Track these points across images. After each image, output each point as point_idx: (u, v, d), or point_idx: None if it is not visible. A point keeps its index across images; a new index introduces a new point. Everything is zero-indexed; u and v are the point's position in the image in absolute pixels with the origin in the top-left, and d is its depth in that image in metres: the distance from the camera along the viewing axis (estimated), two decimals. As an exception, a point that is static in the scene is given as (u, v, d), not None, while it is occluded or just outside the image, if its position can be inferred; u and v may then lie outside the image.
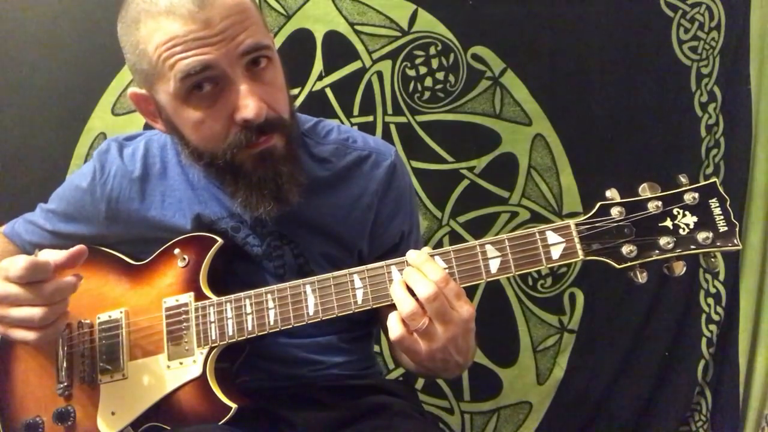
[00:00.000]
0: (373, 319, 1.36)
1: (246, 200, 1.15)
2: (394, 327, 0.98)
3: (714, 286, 2.21)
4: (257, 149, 1.10)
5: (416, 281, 0.98)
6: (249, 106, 1.05)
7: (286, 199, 1.15)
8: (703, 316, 2.21)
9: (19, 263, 1.03)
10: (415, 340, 0.98)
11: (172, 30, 1.01)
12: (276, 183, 1.13)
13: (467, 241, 2.09)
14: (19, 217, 1.41)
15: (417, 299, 0.96)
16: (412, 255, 1.02)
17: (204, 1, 1.00)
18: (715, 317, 2.21)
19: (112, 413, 1.18)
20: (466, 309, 0.98)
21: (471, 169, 2.13)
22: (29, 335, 1.08)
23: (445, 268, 1.02)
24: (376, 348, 1.94)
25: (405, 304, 0.97)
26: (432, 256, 1.03)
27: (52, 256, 1.09)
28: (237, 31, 1.03)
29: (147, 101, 1.14)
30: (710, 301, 2.21)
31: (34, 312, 1.05)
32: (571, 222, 1.01)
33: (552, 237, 1.01)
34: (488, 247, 1.03)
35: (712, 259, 1.00)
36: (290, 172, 1.15)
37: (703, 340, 2.21)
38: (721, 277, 2.21)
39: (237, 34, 1.03)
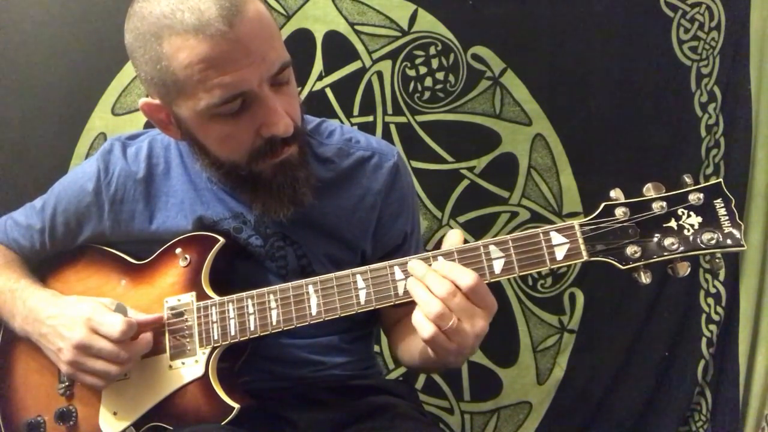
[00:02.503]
0: (374, 318, 1.36)
1: (265, 206, 1.17)
2: (426, 326, 0.97)
3: (714, 286, 2.21)
4: (278, 159, 1.11)
5: (433, 281, 0.98)
6: (280, 124, 1.06)
7: (302, 202, 1.17)
8: (703, 316, 2.21)
9: (115, 326, 1.09)
10: (445, 339, 0.97)
11: (203, 51, 0.99)
12: (293, 188, 1.15)
13: (467, 242, 2.11)
14: (4, 218, 1.40)
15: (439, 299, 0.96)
16: (441, 267, 1.00)
17: (232, 19, 0.98)
18: (715, 317, 2.21)
19: (114, 413, 1.18)
20: (489, 300, 0.98)
21: (471, 169, 2.12)
22: (99, 383, 1.14)
23: None
24: (376, 348, 1.94)
25: (432, 306, 0.96)
26: (435, 257, 1.03)
27: (135, 315, 1.16)
28: (266, 49, 1.03)
29: (160, 110, 1.13)
30: (710, 301, 2.21)
31: (112, 368, 1.11)
32: (576, 222, 1.01)
33: (556, 237, 1.01)
34: (492, 247, 1.02)
35: (716, 260, 0.99)
36: (306, 177, 1.17)
37: (703, 340, 2.21)
38: (721, 277, 2.21)
39: (266, 54, 1.03)
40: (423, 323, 0.97)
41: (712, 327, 2.21)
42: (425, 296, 0.97)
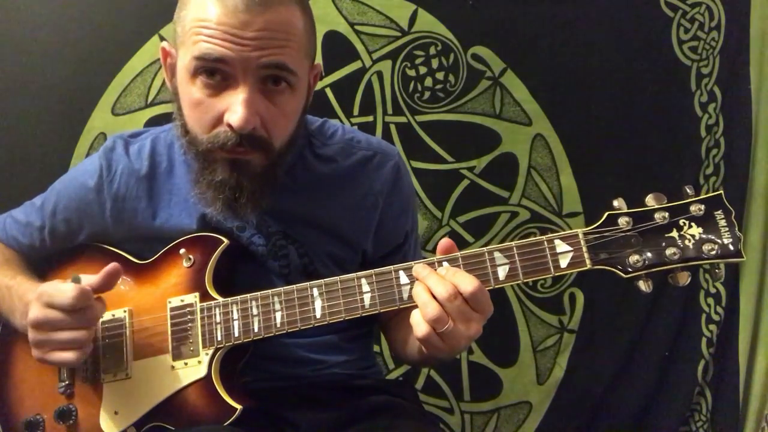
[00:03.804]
0: (373, 317, 1.36)
1: (202, 193, 1.16)
2: (421, 326, 0.99)
3: (714, 286, 2.21)
4: (232, 156, 1.11)
5: (435, 283, 0.98)
6: (238, 113, 1.05)
7: (236, 211, 1.17)
8: (703, 316, 2.21)
9: (67, 293, 1.06)
10: (438, 339, 0.99)
11: (211, 13, 1.03)
12: (234, 193, 1.13)
13: (467, 241, 2.11)
14: (3, 216, 1.40)
15: (438, 300, 0.97)
16: (445, 272, 1.01)
17: (254, 7, 1.02)
18: (715, 317, 2.21)
19: (115, 413, 1.17)
20: (487, 305, 1.00)
21: (471, 169, 2.12)
22: (71, 356, 1.10)
23: None
24: (376, 348, 1.94)
25: (429, 308, 0.97)
26: (440, 261, 1.03)
27: (88, 280, 1.12)
28: (268, 45, 1.04)
29: (169, 57, 1.16)
30: (710, 301, 2.21)
31: (79, 334, 1.09)
32: (579, 231, 1.03)
33: (560, 245, 1.03)
34: (497, 254, 1.04)
35: (716, 270, 1.02)
36: (253, 191, 1.14)
37: (703, 340, 2.21)
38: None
39: (265, 48, 1.04)
40: (419, 323, 0.99)
41: (712, 327, 2.21)
42: (425, 298, 0.99)
